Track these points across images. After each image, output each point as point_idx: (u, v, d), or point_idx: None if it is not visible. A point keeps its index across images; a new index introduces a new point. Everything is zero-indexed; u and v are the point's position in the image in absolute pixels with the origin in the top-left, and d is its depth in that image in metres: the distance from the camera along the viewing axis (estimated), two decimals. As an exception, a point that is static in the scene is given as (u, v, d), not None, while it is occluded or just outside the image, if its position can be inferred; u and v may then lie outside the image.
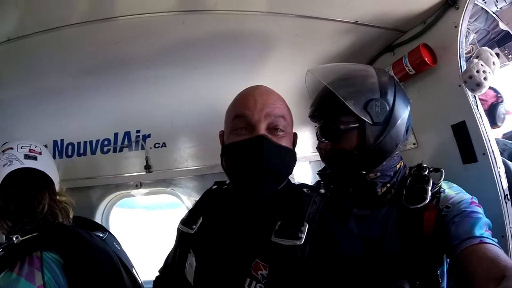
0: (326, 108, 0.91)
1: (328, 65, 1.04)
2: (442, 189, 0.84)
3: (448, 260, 0.79)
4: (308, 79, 0.99)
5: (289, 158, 0.78)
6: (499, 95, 1.49)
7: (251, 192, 0.74)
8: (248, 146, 0.72)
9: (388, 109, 0.85)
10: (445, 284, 0.80)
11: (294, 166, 0.83)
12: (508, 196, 0.99)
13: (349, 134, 0.86)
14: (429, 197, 0.81)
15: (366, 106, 0.85)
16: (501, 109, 1.33)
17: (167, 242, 1.06)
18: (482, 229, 0.72)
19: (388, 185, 0.88)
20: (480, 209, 0.78)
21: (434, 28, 1.12)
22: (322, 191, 0.83)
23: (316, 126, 0.97)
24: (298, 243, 0.66)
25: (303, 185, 0.83)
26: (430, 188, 0.82)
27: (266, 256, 0.69)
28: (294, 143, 0.86)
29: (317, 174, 1.00)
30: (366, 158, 0.86)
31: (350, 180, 0.90)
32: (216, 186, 0.93)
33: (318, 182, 1.03)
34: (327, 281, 0.66)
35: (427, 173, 0.87)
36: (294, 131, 0.85)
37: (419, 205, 0.80)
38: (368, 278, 0.71)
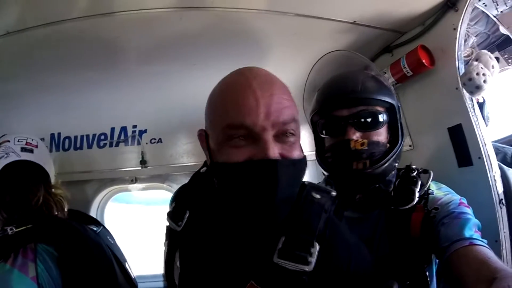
0: (368, 93, 0.83)
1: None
2: (430, 190, 0.84)
3: (437, 261, 0.80)
4: (314, 72, 0.96)
5: (303, 170, 0.63)
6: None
7: (258, 222, 0.60)
8: (255, 173, 0.55)
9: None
10: (434, 285, 0.80)
11: None
12: (503, 201, 0.99)
13: (384, 126, 0.86)
14: (416, 199, 0.81)
15: (398, 102, 0.88)
16: (486, 109, 1.32)
17: (163, 238, 1.06)
18: (472, 230, 0.72)
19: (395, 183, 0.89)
20: (469, 210, 0.79)
21: (433, 30, 1.12)
22: (334, 193, 0.66)
23: (322, 121, 0.89)
24: (307, 269, 0.53)
25: (312, 187, 0.64)
26: (417, 189, 0.82)
27: (264, 279, 0.56)
28: None
29: (330, 175, 0.88)
30: (399, 154, 0.86)
31: (384, 176, 0.85)
32: (205, 168, 0.72)
33: (327, 182, 0.95)
34: None
35: (416, 174, 0.87)
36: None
37: (407, 207, 0.81)
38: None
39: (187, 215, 0.67)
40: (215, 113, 0.61)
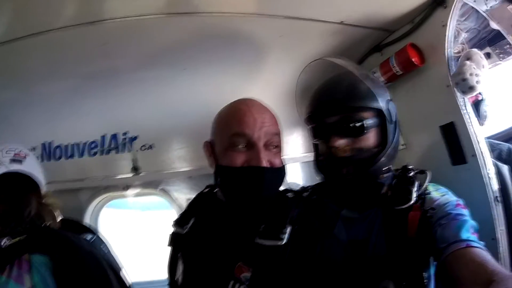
0: (349, 101, 0.84)
1: (340, 59, 0.96)
2: (427, 190, 0.84)
3: (436, 263, 0.79)
4: (302, 77, 0.95)
5: (283, 176, 0.83)
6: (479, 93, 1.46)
7: (245, 213, 0.79)
8: (249, 176, 0.75)
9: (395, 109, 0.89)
10: (432, 287, 0.79)
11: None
12: (499, 198, 0.97)
13: (371, 131, 0.85)
14: (414, 198, 0.80)
15: (388, 104, 0.86)
16: (483, 107, 1.31)
17: (160, 243, 1.06)
18: (469, 232, 0.72)
19: (389, 185, 0.88)
20: (466, 212, 0.78)
21: (422, 28, 1.11)
22: (305, 194, 0.87)
23: (312, 126, 0.92)
24: (280, 243, 0.69)
25: (287, 190, 0.85)
26: (415, 189, 0.82)
27: (249, 258, 0.71)
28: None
29: (327, 178, 0.92)
30: (388, 156, 0.85)
31: (374, 180, 0.86)
32: (207, 189, 0.94)
33: (303, 187, 0.99)
34: (307, 282, 0.67)
35: (413, 174, 0.87)
36: (283, 133, 0.86)
37: (404, 206, 0.80)
38: (351, 280, 0.71)
39: (192, 221, 0.84)
40: (224, 126, 0.81)
